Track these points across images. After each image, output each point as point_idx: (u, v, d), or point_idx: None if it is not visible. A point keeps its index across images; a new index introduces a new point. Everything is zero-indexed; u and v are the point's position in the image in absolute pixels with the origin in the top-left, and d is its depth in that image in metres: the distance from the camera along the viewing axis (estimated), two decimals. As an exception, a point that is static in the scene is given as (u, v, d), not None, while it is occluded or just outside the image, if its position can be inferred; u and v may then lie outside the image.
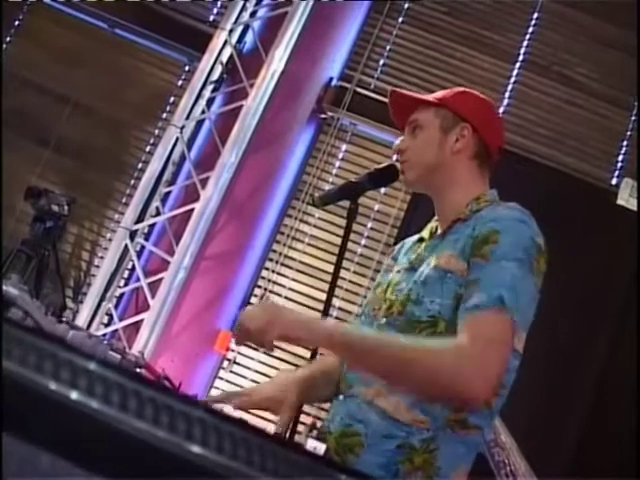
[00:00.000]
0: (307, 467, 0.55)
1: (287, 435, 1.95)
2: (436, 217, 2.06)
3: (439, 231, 2.01)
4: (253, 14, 5.48)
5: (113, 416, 0.47)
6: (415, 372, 1.70)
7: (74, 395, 0.48)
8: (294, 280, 5.33)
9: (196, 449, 0.47)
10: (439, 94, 2.09)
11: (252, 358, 5.23)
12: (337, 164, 5.50)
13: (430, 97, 2.07)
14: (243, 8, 5.41)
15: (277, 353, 5.20)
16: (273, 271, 5.33)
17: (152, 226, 5.29)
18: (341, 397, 1.93)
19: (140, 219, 5.18)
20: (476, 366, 1.65)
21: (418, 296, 1.86)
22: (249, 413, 3.28)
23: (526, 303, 1.75)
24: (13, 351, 0.48)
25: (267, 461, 0.53)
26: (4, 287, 1.29)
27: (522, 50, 5.60)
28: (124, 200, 5.52)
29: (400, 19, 5.68)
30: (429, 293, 1.84)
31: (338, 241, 2.08)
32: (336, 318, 5.17)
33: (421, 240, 2.07)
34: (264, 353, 5.22)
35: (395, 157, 2.11)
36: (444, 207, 2.01)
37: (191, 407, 0.48)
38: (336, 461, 1.81)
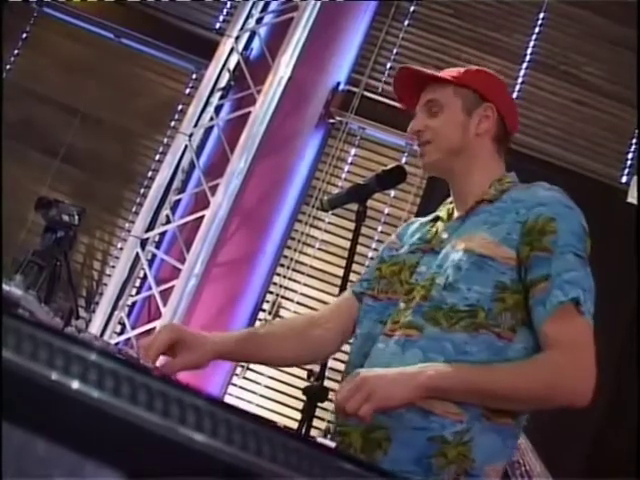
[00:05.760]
0: (316, 458, 0.55)
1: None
2: (451, 199, 1.99)
3: (456, 213, 1.94)
4: (259, 21, 5.49)
5: (109, 402, 0.47)
6: (526, 398, 1.74)
7: (75, 384, 0.48)
8: (306, 285, 5.32)
9: (191, 434, 0.47)
10: (453, 72, 1.97)
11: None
12: (346, 168, 5.50)
13: (446, 75, 1.96)
14: (249, 15, 5.42)
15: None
16: (284, 276, 5.33)
17: (163, 234, 5.30)
18: None
19: (150, 227, 5.19)
20: (575, 375, 1.77)
21: (448, 281, 1.77)
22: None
23: (592, 304, 1.84)
24: (9, 340, 0.49)
25: (276, 451, 0.53)
26: (8, 288, 1.30)
27: (529, 50, 5.58)
28: (134, 209, 5.53)
29: (406, 22, 5.67)
30: (466, 280, 1.76)
31: (349, 245, 2.07)
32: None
33: (436, 219, 1.99)
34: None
35: (410, 140, 2.04)
36: (463, 189, 1.93)
37: (185, 393, 0.48)
38: (361, 458, 1.67)
